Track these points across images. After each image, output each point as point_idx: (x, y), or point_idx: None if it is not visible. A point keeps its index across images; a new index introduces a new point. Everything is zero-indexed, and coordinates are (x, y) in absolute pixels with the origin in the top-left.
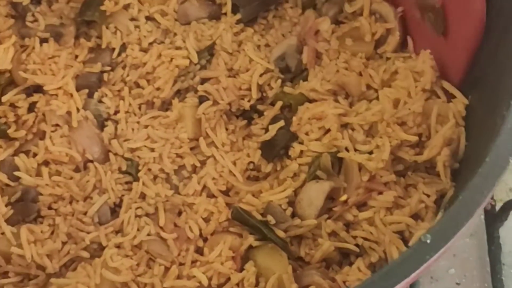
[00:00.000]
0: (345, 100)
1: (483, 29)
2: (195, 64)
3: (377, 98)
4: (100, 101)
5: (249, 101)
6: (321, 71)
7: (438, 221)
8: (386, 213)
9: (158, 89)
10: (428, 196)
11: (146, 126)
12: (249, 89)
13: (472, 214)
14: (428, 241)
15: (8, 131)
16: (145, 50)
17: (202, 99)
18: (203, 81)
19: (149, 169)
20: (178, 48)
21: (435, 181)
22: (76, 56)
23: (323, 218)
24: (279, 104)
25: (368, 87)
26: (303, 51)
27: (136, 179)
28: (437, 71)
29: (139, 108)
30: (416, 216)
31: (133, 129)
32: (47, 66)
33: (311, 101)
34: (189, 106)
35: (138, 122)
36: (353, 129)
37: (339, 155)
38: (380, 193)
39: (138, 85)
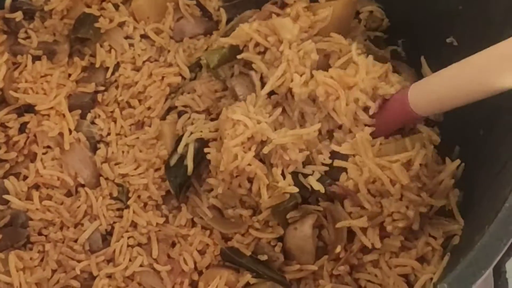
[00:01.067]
0: None
1: None
2: (186, 79)
3: None
4: (92, 123)
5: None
6: None
7: (456, 268)
8: (391, 256)
9: (149, 108)
10: (435, 238)
11: (132, 146)
12: (226, 89)
13: (491, 262)
14: None
15: None
16: (137, 69)
17: (181, 114)
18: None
19: (139, 196)
20: (170, 65)
21: (442, 222)
22: (69, 75)
23: (325, 259)
24: None
25: None
26: None
27: (127, 206)
28: None
29: (130, 129)
30: (421, 259)
31: (123, 152)
32: (39, 85)
33: None
34: (168, 123)
35: (127, 144)
36: None
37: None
38: (387, 236)
39: (129, 105)
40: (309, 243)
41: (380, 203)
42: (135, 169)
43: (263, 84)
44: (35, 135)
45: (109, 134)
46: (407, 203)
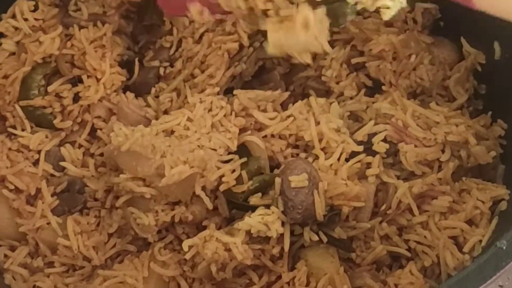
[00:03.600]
0: None
1: None
2: (248, 48)
3: None
4: (156, 97)
5: None
6: None
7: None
8: (440, 218)
9: (210, 76)
10: (483, 202)
11: None
12: None
13: None
14: (504, 247)
15: (54, 122)
16: (197, 42)
17: None
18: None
19: None
20: (229, 33)
21: (489, 187)
22: None
23: (377, 221)
24: None
25: None
26: None
27: None
28: None
29: None
30: (470, 222)
31: None
32: (91, 52)
33: None
34: None
35: None
36: None
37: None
38: (435, 197)
39: (193, 76)
40: (370, 200)
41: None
42: None
43: None
44: (88, 105)
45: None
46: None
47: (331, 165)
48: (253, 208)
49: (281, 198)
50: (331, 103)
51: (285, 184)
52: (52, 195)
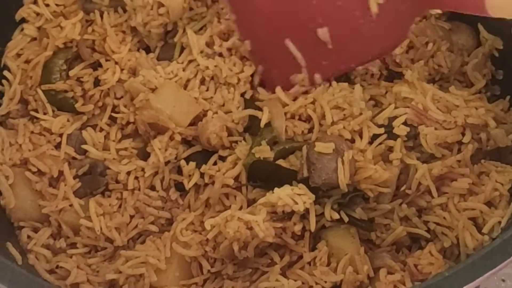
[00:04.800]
0: None
1: None
2: None
3: None
4: None
5: None
6: None
7: None
8: (460, 199)
9: None
10: (502, 184)
11: None
12: None
13: None
14: None
15: (76, 105)
16: None
17: None
18: None
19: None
20: None
21: (508, 170)
22: None
23: (397, 203)
24: None
25: None
26: None
27: None
28: None
29: None
30: (489, 204)
31: None
32: (112, 35)
33: None
34: None
35: None
36: None
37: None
38: (454, 179)
39: None
40: (393, 184)
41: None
42: None
43: None
44: (108, 89)
45: None
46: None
47: (358, 148)
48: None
49: (306, 164)
50: (353, 87)
51: (310, 150)
52: (74, 178)
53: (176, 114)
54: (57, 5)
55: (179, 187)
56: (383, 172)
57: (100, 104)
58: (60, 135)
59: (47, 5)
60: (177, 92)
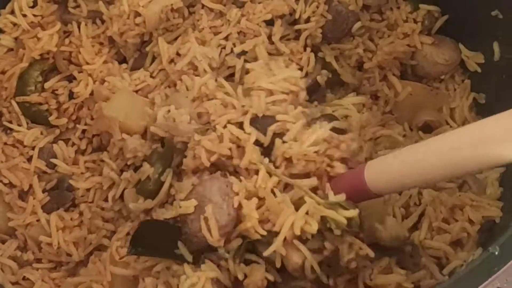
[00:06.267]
0: None
1: None
2: None
3: None
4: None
5: None
6: None
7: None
8: (426, 236)
9: None
10: (473, 223)
11: None
12: None
13: None
14: (496, 252)
15: (50, 118)
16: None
17: None
18: None
19: None
20: None
21: (483, 205)
22: None
23: None
24: None
25: None
26: None
27: None
28: None
29: None
30: (457, 243)
31: None
32: (88, 45)
33: None
34: None
35: None
36: None
37: None
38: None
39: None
40: None
41: None
42: None
43: None
44: (82, 102)
45: None
46: None
47: None
48: None
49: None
50: None
51: None
52: (43, 192)
53: (130, 121)
54: (34, 15)
55: None
56: None
57: (74, 117)
58: (33, 148)
59: (24, 16)
60: (130, 98)
